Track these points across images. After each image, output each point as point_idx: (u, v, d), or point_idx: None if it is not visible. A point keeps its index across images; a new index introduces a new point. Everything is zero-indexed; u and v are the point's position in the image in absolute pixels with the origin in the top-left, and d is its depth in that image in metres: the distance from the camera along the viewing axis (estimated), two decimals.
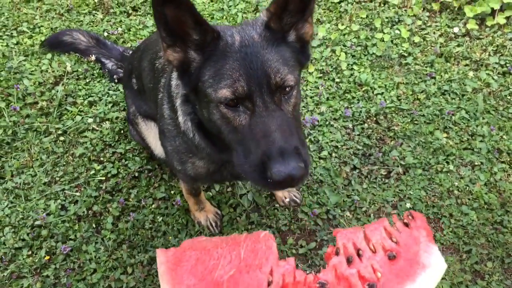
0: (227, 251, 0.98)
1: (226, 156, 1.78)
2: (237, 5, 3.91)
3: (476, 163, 3.08)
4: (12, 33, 3.53)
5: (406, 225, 1.06)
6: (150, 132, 2.69)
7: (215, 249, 0.98)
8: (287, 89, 1.54)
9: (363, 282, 0.97)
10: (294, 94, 1.60)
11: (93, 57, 3.26)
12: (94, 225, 2.68)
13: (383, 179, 2.99)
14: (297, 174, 1.34)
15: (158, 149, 2.64)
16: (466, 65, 3.60)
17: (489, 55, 3.66)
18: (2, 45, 3.45)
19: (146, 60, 2.46)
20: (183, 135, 1.96)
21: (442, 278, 2.62)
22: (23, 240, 2.59)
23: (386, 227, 1.09)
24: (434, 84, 3.46)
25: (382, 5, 4.02)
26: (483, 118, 3.29)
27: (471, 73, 3.51)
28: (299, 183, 1.38)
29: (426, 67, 3.58)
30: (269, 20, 1.61)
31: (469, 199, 2.93)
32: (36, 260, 2.53)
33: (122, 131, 3.06)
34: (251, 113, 1.50)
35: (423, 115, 3.29)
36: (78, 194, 2.78)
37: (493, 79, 3.51)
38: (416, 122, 3.26)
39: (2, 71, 3.27)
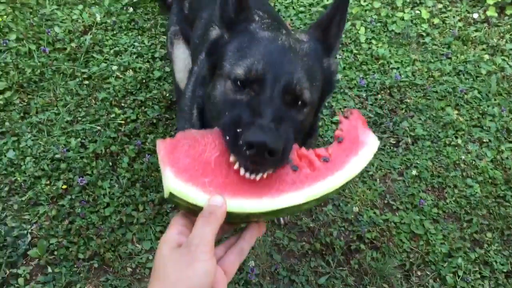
0: (212, 139, 1.19)
1: None
2: None
3: (484, 140, 3.16)
4: None
5: (346, 118, 1.32)
6: (181, 59, 2.75)
7: (202, 139, 1.18)
8: (299, 102, 1.41)
9: (319, 158, 1.22)
10: (305, 112, 1.45)
11: None
12: (110, 164, 2.80)
13: (392, 148, 3.08)
14: (272, 145, 1.14)
15: (180, 76, 2.74)
16: (483, 49, 3.69)
17: (506, 42, 3.74)
18: None
19: (206, 12, 2.42)
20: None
21: (441, 243, 2.70)
22: (43, 170, 2.72)
23: None
24: (449, 64, 3.55)
25: None
26: (495, 100, 3.37)
27: (486, 57, 3.59)
28: (271, 158, 1.16)
29: (443, 47, 3.66)
30: (315, 30, 1.56)
31: (474, 173, 3.00)
32: (53, 189, 2.65)
33: (144, 81, 3.18)
34: (255, 95, 1.36)
35: (436, 91, 3.37)
36: (99, 127, 2.92)
37: (508, 64, 3.59)
38: (428, 97, 3.34)
39: (35, 17, 3.43)
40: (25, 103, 3.01)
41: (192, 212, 1.10)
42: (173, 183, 1.07)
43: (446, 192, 2.91)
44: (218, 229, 1.04)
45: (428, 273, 2.62)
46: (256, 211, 1.11)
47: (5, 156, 2.75)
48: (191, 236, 1.02)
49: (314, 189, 1.16)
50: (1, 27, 3.30)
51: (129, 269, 2.46)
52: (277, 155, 1.17)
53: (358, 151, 1.23)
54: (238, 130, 1.22)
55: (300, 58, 1.46)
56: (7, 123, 2.88)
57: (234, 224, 1.25)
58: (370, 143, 1.25)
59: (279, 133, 1.24)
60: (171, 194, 1.07)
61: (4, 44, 3.20)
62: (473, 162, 3.04)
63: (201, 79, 1.79)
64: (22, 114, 2.95)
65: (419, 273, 2.62)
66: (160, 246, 1.06)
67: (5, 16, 3.36)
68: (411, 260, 2.64)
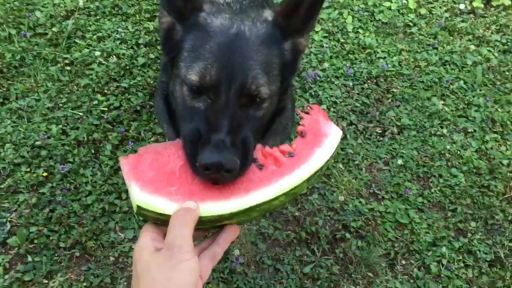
0: (174, 150, 1.22)
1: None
2: None
3: (469, 130, 3.17)
4: None
5: (307, 113, 1.35)
6: None
7: (165, 150, 1.21)
8: (257, 99, 1.39)
9: (284, 154, 1.25)
10: (265, 106, 1.44)
11: None
12: (93, 151, 2.74)
13: (378, 137, 3.07)
14: (228, 165, 1.17)
15: None
16: (469, 40, 3.70)
17: (492, 33, 3.76)
18: None
19: None
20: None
21: (426, 232, 2.70)
22: (23, 157, 2.65)
23: None
24: (436, 54, 3.56)
25: None
26: (480, 90, 3.39)
27: (472, 47, 3.61)
28: (229, 174, 1.19)
29: (429, 38, 3.67)
30: (277, 15, 1.49)
31: (459, 162, 3.01)
32: (34, 177, 2.59)
33: (127, 67, 3.12)
34: (211, 103, 1.36)
35: (422, 82, 3.38)
36: (81, 114, 2.85)
37: (493, 55, 3.61)
38: (415, 87, 3.34)
39: (15, 1, 3.33)
40: (4, 89, 2.93)
41: (161, 222, 1.12)
42: (139, 196, 1.09)
43: (431, 182, 2.92)
44: (193, 229, 1.06)
45: (413, 261, 2.62)
46: (225, 213, 1.13)
47: None
48: (171, 238, 1.03)
49: (281, 183, 1.18)
50: None
51: (111, 258, 2.42)
52: (234, 172, 1.19)
53: (321, 142, 1.26)
54: (196, 149, 1.24)
55: (256, 48, 1.41)
56: None
57: (205, 230, 1.27)
58: (333, 134, 1.28)
59: (235, 148, 1.26)
60: (138, 207, 1.09)
61: None
62: (458, 152, 3.05)
63: (164, 65, 1.74)
64: (1, 100, 2.88)
65: (403, 261, 2.62)
66: (139, 253, 1.05)
67: None
68: (395, 249, 2.64)
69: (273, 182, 1.18)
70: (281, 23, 1.48)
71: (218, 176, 1.17)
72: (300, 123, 1.32)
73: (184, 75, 1.40)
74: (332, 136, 1.27)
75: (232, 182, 1.19)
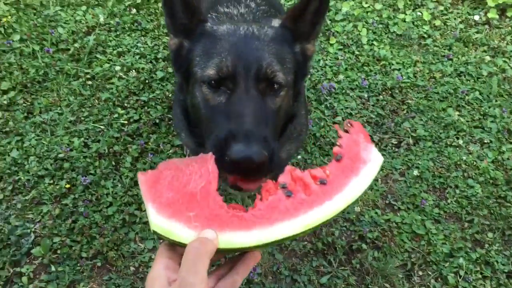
0: (197, 168, 1.10)
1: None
2: None
3: (485, 141, 3.17)
4: None
5: (346, 131, 1.20)
6: None
7: (187, 168, 1.10)
8: (275, 85, 1.46)
9: (315, 180, 1.12)
10: (282, 95, 1.49)
11: None
12: (113, 163, 2.82)
13: (393, 148, 3.09)
14: (257, 159, 1.21)
15: None
16: (484, 51, 3.71)
17: (507, 43, 3.77)
18: None
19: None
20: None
21: (442, 243, 2.71)
22: (46, 169, 2.73)
23: None
24: (451, 65, 3.57)
25: None
26: (496, 101, 3.39)
27: (487, 58, 3.62)
28: (260, 170, 1.23)
29: (444, 49, 3.69)
30: (285, 19, 1.60)
31: (475, 173, 3.01)
32: (57, 189, 2.67)
33: (147, 81, 3.20)
34: (231, 93, 1.42)
35: (438, 93, 3.39)
36: (102, 127, 2.93)
37: (509, 66, 3.61)
38: (430, 98, 3.36)
39: (38, 18, 3.46)
40: (28, 103, 3.03)
41: (178, 244, 1.05)
42: (155, 219, 1.02)
43: (447, 193, 2.93)
44: (209, 262, 1.00)
45: (430, 273, 2.63)
46: (246, 246, 1.04)
47: (9, 155, 2.77)
48: (184, 274, 0.96)
49: (310, 216, 1.06)
50: (5, 27, 3.33)
51: (132, 268, 2.48)
52: (264, 165, 1.22)
53: (359, 170, 1.12)
54: (223, 146, 1.27)
55: (266, 43, 1.50)
56: (10, 123, 2.90)
57: (225, 253, 1.17)
58: (373, 160, 1.14)
59: (262, 139, 1.28)
60: (154, 231, 1.03)
61: (8, 45, 3.23)
62: (474, 163, 3.06)
63: (180, 86, 1.80)
64: (25, 114, 2.98)
65: (420, 273, 2.63)
66: (151, 284, 0.99)
67: (9, 17, 3.39)
68: (412, 260, 2.65)
69: (301, 213, 1.06)
70: (289, 26, 1.59)
71: (247, 169, 1.21)
72: (337, 143, 1.18)
73: (201, 74, 1.47)
74: (371, 163, 1.13)
75: (261, 175, 1.22)
